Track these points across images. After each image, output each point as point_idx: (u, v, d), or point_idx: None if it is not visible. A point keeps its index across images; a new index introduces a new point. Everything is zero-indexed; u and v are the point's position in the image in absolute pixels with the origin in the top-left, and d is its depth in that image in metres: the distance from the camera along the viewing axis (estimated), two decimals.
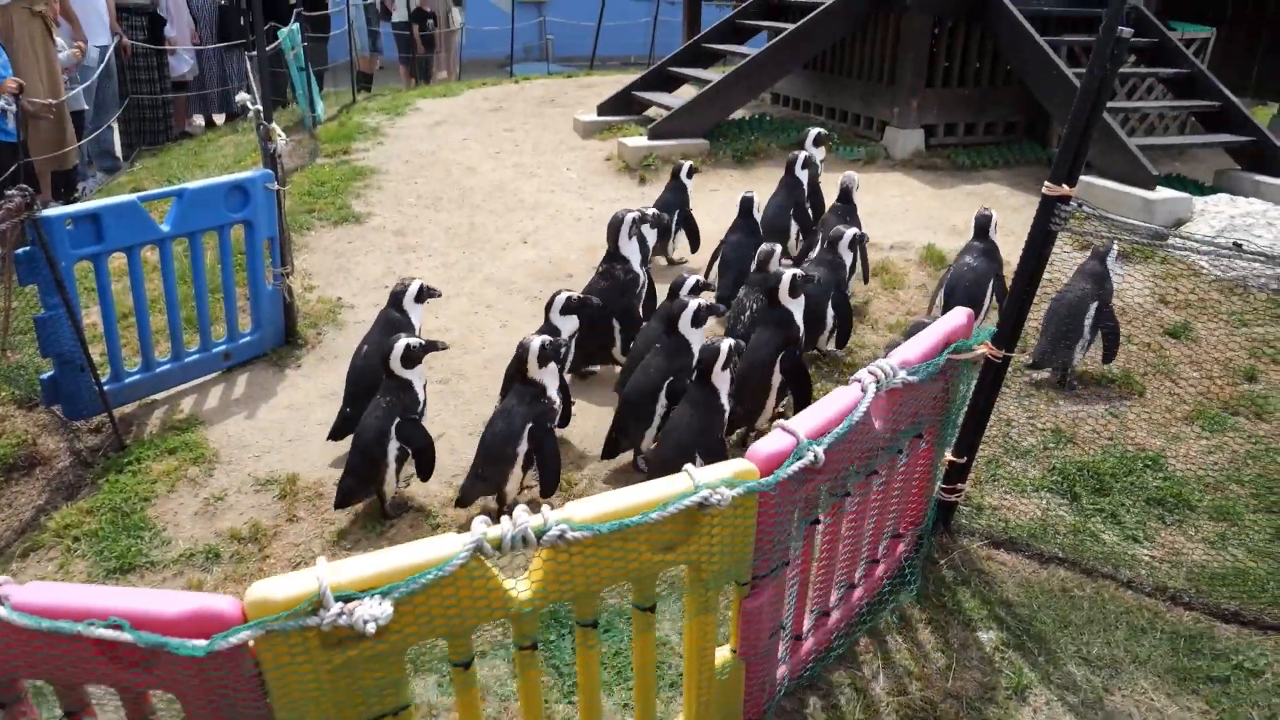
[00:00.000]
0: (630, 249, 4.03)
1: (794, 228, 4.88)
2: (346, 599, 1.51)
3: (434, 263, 5.15)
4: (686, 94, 7.61)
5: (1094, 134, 2.46)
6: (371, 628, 1.50)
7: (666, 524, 1.80)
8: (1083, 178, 5.70)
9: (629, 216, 4.03)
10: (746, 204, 4.57)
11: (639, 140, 6.80)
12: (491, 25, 14.94)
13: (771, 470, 1.91)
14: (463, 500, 3.10)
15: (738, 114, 7.54)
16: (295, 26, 7.76)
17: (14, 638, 1.49)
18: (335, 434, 3.48)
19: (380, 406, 3.07)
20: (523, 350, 3.09)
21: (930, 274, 4.86)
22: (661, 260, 5.11)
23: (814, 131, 5.35)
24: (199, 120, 9.48)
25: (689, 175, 5.05)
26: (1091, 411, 3.71)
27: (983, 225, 4.22)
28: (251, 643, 1.50)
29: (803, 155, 4.97)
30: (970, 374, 2.77)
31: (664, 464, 3.01)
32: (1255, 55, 8.51)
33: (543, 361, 3.08)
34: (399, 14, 11.40)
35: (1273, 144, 6.25)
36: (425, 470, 3.15)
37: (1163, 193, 5.52)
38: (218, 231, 3.97)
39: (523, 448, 3.04)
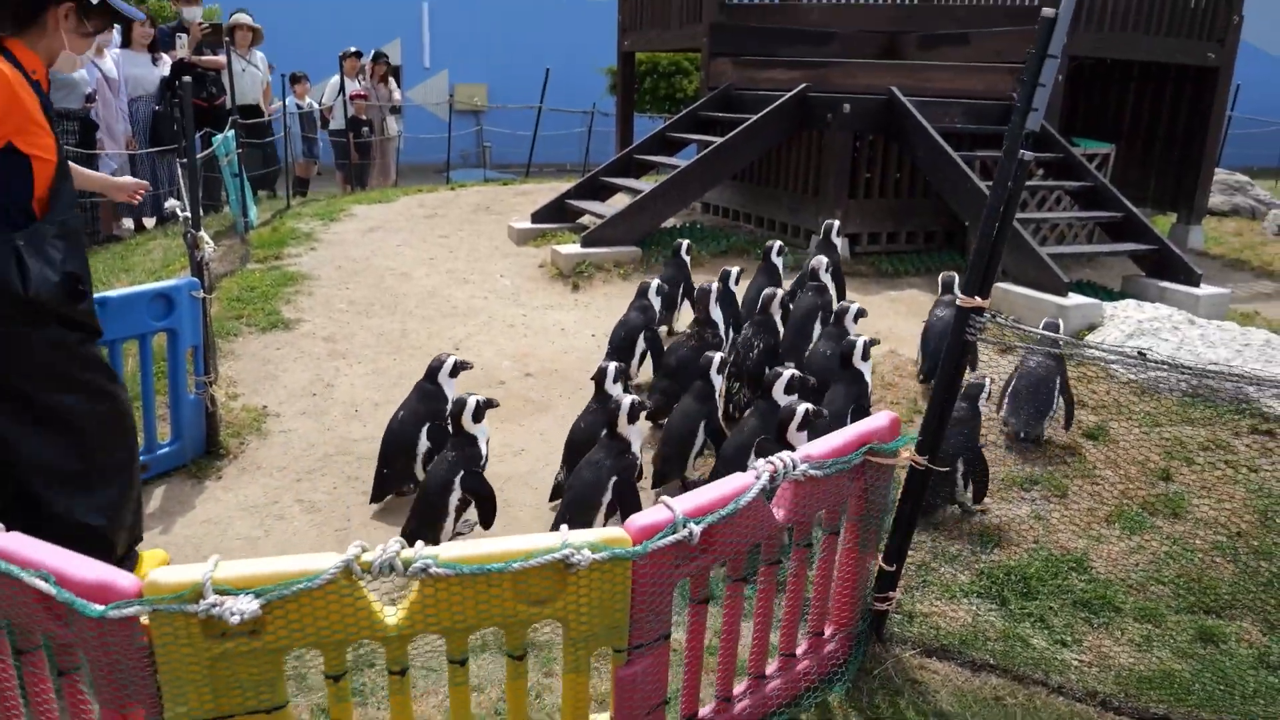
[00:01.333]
0: (716, 314, 4.65)
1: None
2: (226, 593, 1.72)
3: (364, 369, 5.09)
4: (619, 203, 7.80)
5: (1004, 247, 2.58)
6: (235, 619, 1.69)
7: (533, 576, 1.92)
8: (1000, 285, 5.98)
9: (715, 287, 4.65)
10: (725, 275, 5.05)
11: (573, 248, 6.91)
12: (429, 133, 15.23)
13: (642, 541, 2.00)
14: None
15: (669, 222, 7.74)
16: (230, 133, 7.81)
17: None
18: (375, 496, 3.76)
19: (447, 459, 3.37)
20: (615, 407, 3.42)
21: None
22: (665, 328, 5.53)
23: (834, 223, 5.90)
24: (128, 224, 9.37)
25: (686, 253, 5.64)
26: (1016, 514, 3.78)
27: (948, 284, 5.00)
28: (146, 620, 1.73)
29: (778, 244, 5.51)
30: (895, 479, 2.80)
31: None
32: (1151, 169, 9.07)
33: (632, 419, 3.43)
34: (336, 122, 11.57)
35: (1172, 252, 6.62)
36: (487, 519, 3.41)
37: (1075, 299, 5.78)
38: (139, 340, 3.89)
39: (607, 498, 3.26)
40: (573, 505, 3.33)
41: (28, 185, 2.58)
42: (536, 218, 7.97)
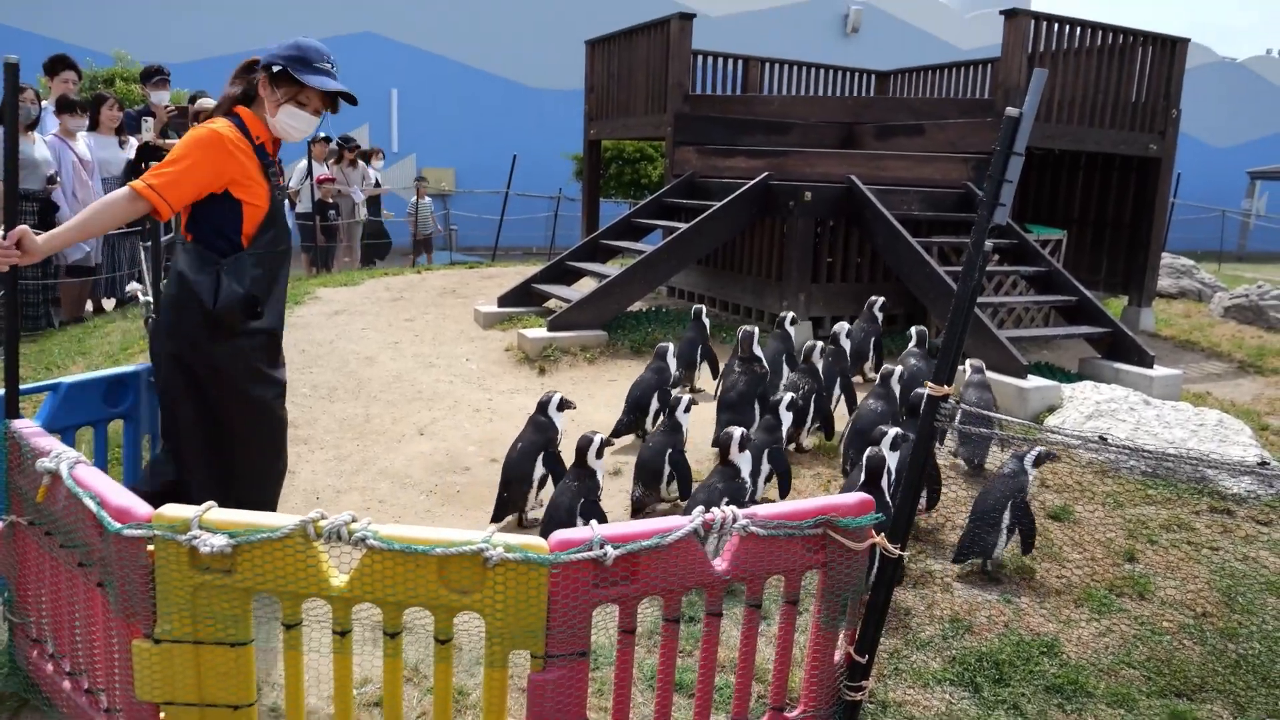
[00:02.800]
0: (757, 350, 5.30)
1: (785, 370, 5.70)
2: (209, 531, 2.08)
3: (326, 455, 5.01)
4: (585, 287, 7.86)
5: (968, 333, 2.63)
6: (205, 549, 2.05)
7: (454, 564, 2.14)
8: (961, 368, 6.06)
9: (755, 330, 5.29)
10: (747, 338, 5.39)
11: (539, 332, 6.93)
12: (397, 216, 15.31)
13: (556, 552, 2.16)
14: None
15: (635, 306, 7.80)
16: None
17: (68, 500, 2.31)
18: (496, 517, 4.13)
19: (570, 490, 3.78)
20: (726, 439, 3.89)
21: (826, 463, 4.98)
22: (686, 389, 6.00)
23: (879, 300, 6.38)
24: (88, 306, 9.26)
25: (706, 316, 6.20)
26: (985, 597, 3.76)
27: (921, 337, 5.63)
28: (151, 546, 2.13)
29: (790, 314, 6.03)
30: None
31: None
32: (1101, 254, 9.35)
33: (742, 448, 3.87)
34: (303, 205, 11.62)
35: (1126, 334, 6.78)
36: None
37: (1034, 381, 5.87)
38: (94, 427, 3.79)
39: None
40: None
41: (238, 223, 3.13)
42: (503, 301, 8.00)
